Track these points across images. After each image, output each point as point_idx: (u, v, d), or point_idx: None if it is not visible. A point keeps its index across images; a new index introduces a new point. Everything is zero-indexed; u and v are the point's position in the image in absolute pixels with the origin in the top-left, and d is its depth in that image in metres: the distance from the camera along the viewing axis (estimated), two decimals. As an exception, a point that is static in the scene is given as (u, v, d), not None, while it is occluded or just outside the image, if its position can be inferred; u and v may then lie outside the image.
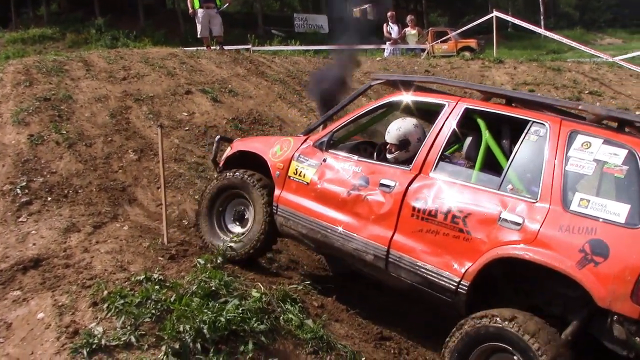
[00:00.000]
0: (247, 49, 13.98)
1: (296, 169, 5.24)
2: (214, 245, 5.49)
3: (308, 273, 5.90)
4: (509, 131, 4.68)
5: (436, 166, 4.56)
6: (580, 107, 4.47)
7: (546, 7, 38.83)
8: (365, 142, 5.71)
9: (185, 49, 12.31)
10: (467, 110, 4.70)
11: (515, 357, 3.79)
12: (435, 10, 47.41)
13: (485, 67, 12.67)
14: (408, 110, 5.31)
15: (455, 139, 4.92)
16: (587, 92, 11.77)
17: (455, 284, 4.17)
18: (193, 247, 5.52)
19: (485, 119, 4.65)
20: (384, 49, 16.12)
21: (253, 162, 5.61)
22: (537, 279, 4.08)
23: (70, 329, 3.95)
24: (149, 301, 4.12)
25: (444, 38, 23.04)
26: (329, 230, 4.91)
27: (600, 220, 3.74)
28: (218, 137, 6.25)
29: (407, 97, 5.17)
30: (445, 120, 4.71)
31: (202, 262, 4.76)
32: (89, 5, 30.23)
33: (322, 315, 4.84)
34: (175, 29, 29.69)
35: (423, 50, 16.73)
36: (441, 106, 4.83)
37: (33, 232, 5.54)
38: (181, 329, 3.83)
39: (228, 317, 3.97)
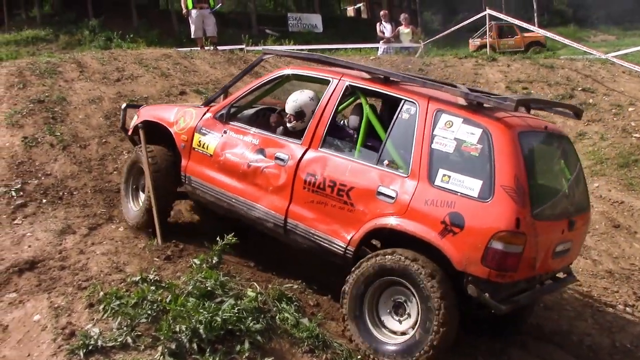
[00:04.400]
0: (241, 49, 13.93)
1: (200, 141, 5.54)
2: (124, 213, 6.01)
3: (303, 272, 5.90)
4: (389, 108, 5.04)
5: (324, 141, 4.91)
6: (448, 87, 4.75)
7: (540, 4, 38.88)
8: (265, 108, 5.96)
9: (178, 49, 12.29)
10: (349, 86, 5.01)
11: (409, 292, 4.31)
12: (429, 8, 47.38)
13: (478, 65, 12.69)
14: (303, 83, 5.66)
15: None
16: (580, 89, 11.80)
17: (343, 250, 4.66)
18: (188, 248, 5.53)
19: (366, 95, 5.04)
20: (377, 48, 16.14)
21: (160, 129, 5.85)
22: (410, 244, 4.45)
23: (66, 331, 3.96)
24: (145, 302, 4.14)
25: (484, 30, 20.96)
26: (233, 200, 5.29)
27: (459, 194, 4.19)
28: (124, 104, 6.50)
29: (297, 71, 5.56)
30: (331, 96, 5.02)
31: (197, 262, 4.76)
32: (82, 6, 30.11)
33: (317, 313, 4.86)
34: (169, 30, 29.60)
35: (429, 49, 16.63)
36: (327, 82, 5.15)
37: (28, 234, 5.54)
38: (177, 329, 3.84)
39: (224, 317, 3.99)
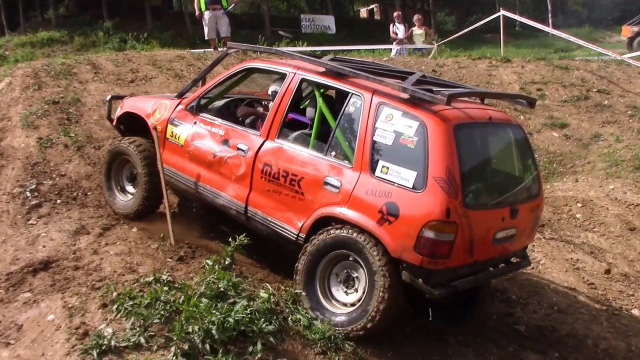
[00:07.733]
0: (255, 51, 13.95)
1: (172, 132, 5.79)
2: (112, 204, 6.16)
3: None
4: (341, 101, 5.07)
5: (280, 132, 5.12)
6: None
7: (554, 5, 38.61)
8: (236, 98, 6.24)
9: (192, 50, 12.34)
10: (303, 80, 5.22)
11: (358, 265, 4.52)
12: (443, 9, 47.26)
13: (492, 66, 12.60)
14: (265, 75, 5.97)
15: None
16: (595, 90, 11.71)
17: (295, 237, 4.87)
18: (201, 249, 5.54)
19: (319, 88, 5.16)
20: (390, 49, 16.10)
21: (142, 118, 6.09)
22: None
23: (80, 331, 3.99)
24: (158, 302, 4.16)
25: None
26: (201, 188, 5.52)
27: (395, 185, 4.39)
28: (109, 96, 6.67)
29: (258, 64, 5.88)
30: (287, 89, 5.22)
31: (210, 263, 4.78)
32: (96, 8, 30.30)
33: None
34: (183, 31, 29.71)
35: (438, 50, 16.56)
36: (284, 75, 5.36)
37: (43, 234, 5.58)
38: (190, 329, 3.86)
39: (236, 318, 4.00)
